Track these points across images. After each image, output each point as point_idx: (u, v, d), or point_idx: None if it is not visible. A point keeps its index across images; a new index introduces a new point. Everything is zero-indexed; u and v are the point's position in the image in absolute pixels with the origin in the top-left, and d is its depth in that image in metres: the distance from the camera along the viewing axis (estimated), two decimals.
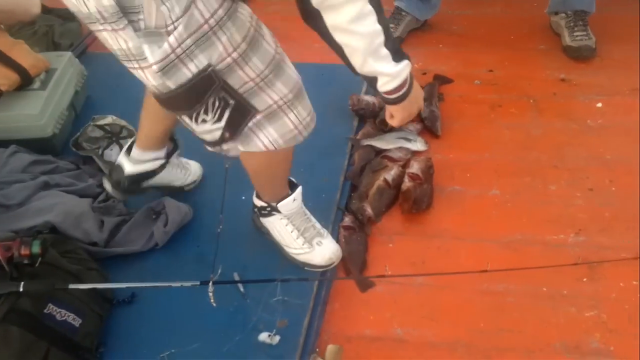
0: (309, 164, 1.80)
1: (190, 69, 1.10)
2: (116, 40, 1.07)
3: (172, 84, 1.11)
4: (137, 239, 1.62)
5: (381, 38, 1.14)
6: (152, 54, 1.06)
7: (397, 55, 1.19)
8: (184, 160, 1.80)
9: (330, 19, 1.10)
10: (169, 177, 1.71)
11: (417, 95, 1.36)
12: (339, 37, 1.13)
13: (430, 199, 1.74)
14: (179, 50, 1.06)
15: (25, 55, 1.88)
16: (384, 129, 1.96)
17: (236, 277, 1.54)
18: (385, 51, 1.16)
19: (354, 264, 1.60)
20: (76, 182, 1.73)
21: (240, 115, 1.20)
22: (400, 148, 1.89)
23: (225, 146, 1.28)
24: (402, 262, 1.61)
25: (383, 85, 1.25)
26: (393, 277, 1.54)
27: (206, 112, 1.18)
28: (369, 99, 2.02)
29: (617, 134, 1.90)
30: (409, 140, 1.91)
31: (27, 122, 1.83)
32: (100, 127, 1.90)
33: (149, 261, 1.62)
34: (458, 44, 2.36)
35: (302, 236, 1.58)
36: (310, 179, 1.72)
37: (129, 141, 1.67)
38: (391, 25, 2.37)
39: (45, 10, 2.39)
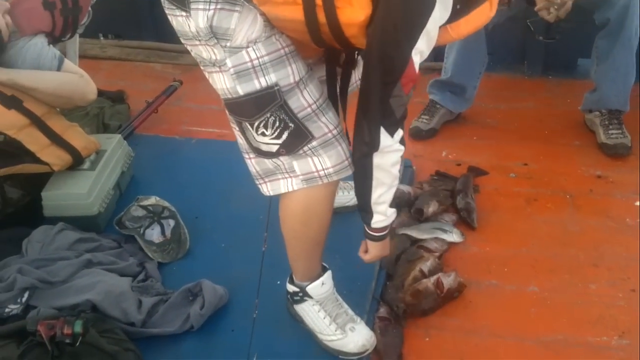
0: (343, 251, 1.80)
1: (260, 82, 1.29)
2: (208, 51, 1.29)
3: (241, 91, 1.30)
4: (173, 320, 1.63)
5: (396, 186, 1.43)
6: (232, 60, 1.27)
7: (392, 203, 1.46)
8: (345, 183, 1.94)
9: (377, 160, 1.35)
10: (338, 200, 1.72)
11: (387, 243, 1.58)
12: (377, 173, 1.37)
13: (432, 310, 1.69)
14: (255, 62, 1.27)
15: (78, 137, 1.98)
16: (420, 218, 1.98)
17: None
18: (391, 196, 1.43)
19: (390, 356, 1.58)
20: (118, 260, 1.77)
21: (297, 139, 1.34)
22: (436, 239, 1.90)
23: (280, 172, 1.40)
24: (438, 357, 1.58)
25: (377, 222, 1.47)
26: None
27: (265, 127, 1.33)
28: (404, 188, 2.06)
29: None
30: (445, 231, 1.92)
31: (75, 201, 1.90)
32: (144, 207, 1.96)
33: (184, 343, 1.62)
34: (492, 137, 2.41)
35: (334, 322, 1.58)
36: (345, 266, 1.73)
37: None
38: (425, 117, 2.44)
39: (98, 93, 2.53)
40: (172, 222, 1.95)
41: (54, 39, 2.09)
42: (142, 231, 1.92)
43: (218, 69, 1.30)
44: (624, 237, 1.89)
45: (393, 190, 1.43)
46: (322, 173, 1.38)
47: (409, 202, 2.03)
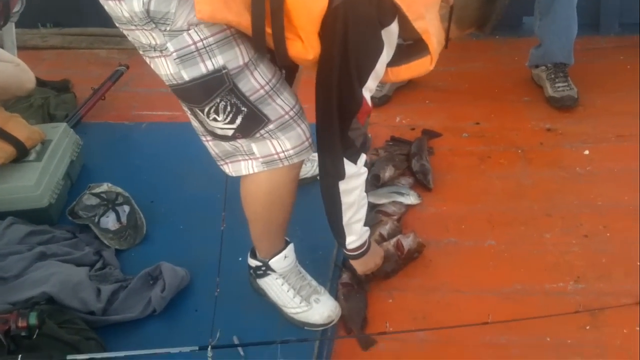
0: (304, 222, 1.80)
1: (206, 66, 1.22)
2: (146, 36, 1.22)
3: (186, 76, 1.23)
4: (134, 306, 1.61)
5: (366, 207, 1.49)
6: (173, 44, 1.20)
7: (366, 222, 1.51)
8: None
9: (343, 186, 1.38)
10: None
11: (375, 253, 1.62)
12: (345, 198, 1.40)
13: (394, 272, 1.71)
14: (199, 45, 1.20)
15: (21, 128, 1.92)
16: (377, 184, 1.98)
17: (235, 341, 1.52)
18: (362, 215, 1.48)
19: (355, 321, 1.59)
20: (73, 250, 1.73)
21: (253, 123, 1.31)
22: (394, 202, 1.91)
23: (240, 154, 1.38)
24: (403, 317, 1.60)
25: (351, 243, 1.52)
26: (395, 334, 1.52)
27: (217, 112, 1.28)
28: None
29: (606, 180, 1.93)
30: (402, 194, 1.93)
31: (23, 194, 1.84)
32: (96, 194, 1.92)
33: (147, 327, 1.60)
34: (444, 99, 2.43)
35: (298, 295, 1.57)
36: (306, 237, 1.73)
37: None
38: (378, 85, 2.43)
39: (41, 83, 2.46)
40: (127, 208, 1.91)
41: None
42: (96, 219, 1.88)
43: (159, 54, 1.23)
44: (575, 186, 1.94)
45: (364, 210, 1.48)
46: (282, 155, 1.36)
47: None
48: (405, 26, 1.22)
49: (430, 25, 1.21)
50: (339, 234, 1.50)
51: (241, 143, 1.35)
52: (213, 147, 1.40)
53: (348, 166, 1.35)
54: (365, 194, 1.46)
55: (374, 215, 1.86)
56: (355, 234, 1.50)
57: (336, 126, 1.29)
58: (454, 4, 1.25)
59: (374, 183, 1.99)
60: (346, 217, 1.44)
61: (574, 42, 2.29)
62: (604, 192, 1.89)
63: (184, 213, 1.94)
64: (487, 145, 2.15)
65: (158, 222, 1.91)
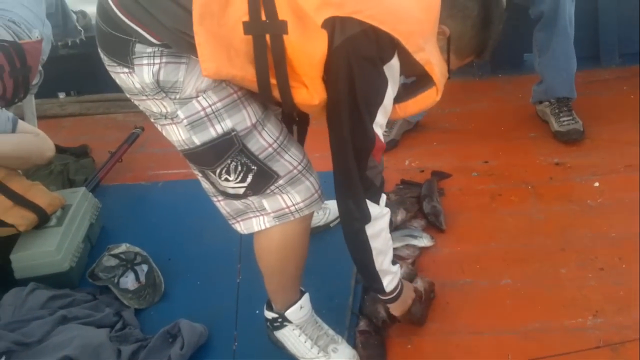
0: (318, 271, 1.82)
1: (216, 130, 1.28)
2: (157, 105, 1.28)
3: (197, 140, 1.28)
4: None
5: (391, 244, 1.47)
6: (184, 111, 1.26)
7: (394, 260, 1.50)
8: None
9: (370, 231, 1.37)
10: None
11: (408, 288, 1.60)
12: (374, 243, 1.38)
13: (424, 318, 1.68)
14: (208, 110, 1.26)
15: (41, 195, 1.98)
16: (390, 228, 2.00)
17: None
18: (391, 255, 1.47)
19: None
20: (93, 312, 1.76)
21: (263, 180, 1.34)
22: (407, 245, 1.92)
23: (251, 211, 1.40)
24: None
25: (388, 285, 1.48)
26: None
27: (228, 173, 1.33)
28: None
29: (618, 211, 1.93)
30: (415, 237, 1.94)
31: (44, 259, 1.89)
32: (115, 255, 1.96)
33: None
34: (451, 140, 2.45)
35: (316, 345, 1.58)
36: (321, 286, 1.75)
37: None
38: (385, 130, 2.48)
39: (60, 150, 2.55)
40: (145, 267, 1.95)
41: (7, 101, 2.10)
42: (116, 280, 1.91)
43: (170, 121, 1.29)
44: (587, 219, 1.93)
45: (392, 250, 1.47)
46: (293, 209, 1.39)
47: None
48: (407, 61, 1.23)
49: (431, 56, 1.24)
50: (374, 280, 1.46)
51: (252, 200, 1.38)
52: (224, 206, 1.43)
53: (372, 207, 1.34)
54: (390, 234, 1.45)
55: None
56: (390, 274, 1.47)
57: (354, 167, 1.29)
58: (450, 34, 1.28)
59: None
60: (378, 262, 1.42)
61: (575, 75, 2.32)
62: (617, 223, 1.88)
63: (200, 268, 1.97)
64: (497, 183, 2.16)
65: (176, 279, 1.94)
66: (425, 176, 2.24)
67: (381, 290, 1.49)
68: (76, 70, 3.11)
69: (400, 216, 2.02)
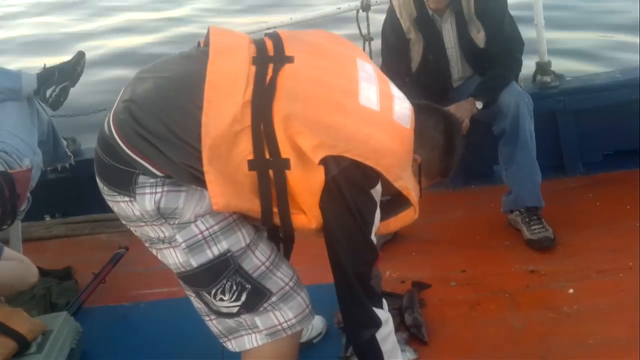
0: None
1: (212, 251, 1.34)
2: (155, 231, 1.35)
3: (194, 262, 1.34)
4: None
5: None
6: (182, 235, 1.33)
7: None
8: None
9: (379, 336, 1.43)
10: None
11: None
12: (384, 347, 1.45)
13: None
14: (206, 233, 1.34)
15: (23, 322, 1.97)
16: None
17: None
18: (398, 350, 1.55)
19: None
20: None
21: (256, 298, 1.40)
22: None
23: (243, 329, 1.43)
24: None
25: None
26: None
27: (223, 293, 1.37)
28: None
29: (594, 317, 1.97)
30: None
31: None
32: None
33: None
34: (430, 250, 2.52)
35: None
36: None
37: None
38: None
39: (43, 273, 2.55)
40: None
41: None
42: None
43: (168, 245, 1.35)
44: (565, 326, 1.96)
45: (399, 352, 1.55)
46: (285, 325, 1.43)
47: None
48: (386, 184, 1.38)
49: (407, 182, 1.39)
50: None
51: (244, 318, 1.42)
52: (216, 325, 1.46)
53: (379, 313, 1.43)
54: (395, 335, 1.51)
55: None
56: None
57: (355, 282, 1.38)
58: (421, 162, 1.46)
59: None
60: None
61: (542, 184, 2.45)
62: (594, 329, 1.91)
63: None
64: (475, 292, 2.21)
65: None
66: (406, 287, 2.28)
67: None
68: (63, 193, 3.19)
69: None
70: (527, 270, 2.27)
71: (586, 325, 1.94)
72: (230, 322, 1.43)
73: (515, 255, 2.37)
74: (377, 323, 1.41)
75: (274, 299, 1.41)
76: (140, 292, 2.55)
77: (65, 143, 2.99)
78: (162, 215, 1.32)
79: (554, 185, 2.65)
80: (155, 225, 1.34)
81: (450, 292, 2.24)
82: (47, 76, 2.71)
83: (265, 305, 1.40)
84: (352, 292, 1.40)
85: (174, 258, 1.36)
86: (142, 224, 1.35)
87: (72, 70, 2.76)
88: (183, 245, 1.33)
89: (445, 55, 2.49)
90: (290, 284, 1.44)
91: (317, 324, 2.04)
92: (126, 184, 1.32)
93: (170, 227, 1.33)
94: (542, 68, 2.93)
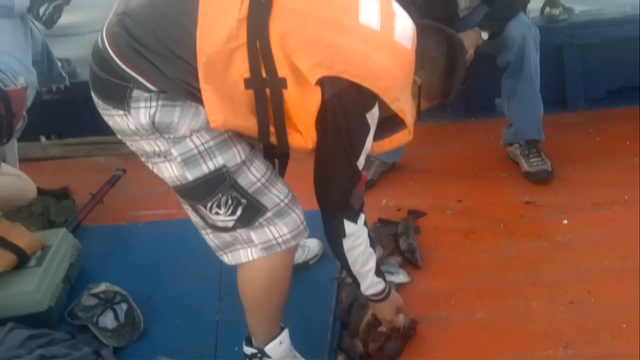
0: (298, 307, 1.84)
1: (208, 166, 1.35)
2: (150, 145, 1.35)
3: (190, 176, 1.35)
4: None
5: (374, 259, 1.61)
6: (177, 149, 1.33)
7: (379, 273, 1.63)
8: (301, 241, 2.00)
9: (347, 245, 1.52)
10: None
11: (392, 303, 1.70)
12: (350, 255, 1.54)
13: (398, 354, 1.74)
14: (201, 148, 1.34)
15: (22, 236, 2.00)
16: None
17: None
18: (371, 265, 1.59)
19: None
20: (72, 351, 1.75)
21: (252, 213, 1.41)
22: None
23: (239, 243, 1.47)
24: None
25: (366, 290, 1.63)
26: None
27: (219, 206, 1.39)
28: None
29: (586, 247, 2.00)
30: (392, 273, 1.98)
31: (24, 299, 1.89)
32: (95, 295, 1.97)
33: None
34: (427, 180, 2.52)
35: None
36: (300, 322, 1.77)
37: None
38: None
39: (41, 192, 2.56)
40: (124, 306, 1.95)
41: None
42: (95, 319, 1.91)
43: (164, 159, 1.35)
44: (557, 255, 2.00)
45: (372, 262, 1.59)
46: (280, 240, 1.45)
47: None
48: (384, 106, 1.38)
49: (404, 104, 1.38)
50: (354, 280, 1.62)
51: (240, 233, 1.44)
52: (213, 239, 1.48)
53: (348, 225, 1.48)
54: (371, 248, 1.58)
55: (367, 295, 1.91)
56: (367, 281, 1.60)
57: (336, 198, 1.45)
58: (421, 83, 1.44)
59: None
60: (354, 268, 1.57)
61: (544, 119, 2.43)
62: (585, 258, 1.95)
63: (180, 307, 1.98)
64: (470, 221, 2.23)
65: (155, 318, 1.95)
66: (402, 215, 2.30)
67: (359, 289, 1.64)
68: (59, 115, 3.16)
69: (378, 253, 2.03)
70: (522, 201, 2.29)
71: (578, 255, 1.97)
72: (227, 236, 1.45)
73: (512, 186, 2.38)
74: (342, 233, 1.48)
75: (269, 214, 1.42)
76: (138, 213, 2.57)
77: (60, 64, 2.93)
78: (157, 129, 1.31)
79: (555, 120, 2.62)
80: (150, 139, 1.34)
81: (446, 220, 2.27)
82: None
83: (261, 220, 1.42)
84: (328, 204, 1.46)
85: (170, 172, 1.37)
86: (138, 138, 1.35)
87: None
88: (179, 159, 1.33)
89: None
90: (285, 200, 1.45)
91: (314, 246, 2.07)
92: (120, 98, 1.31)
93: (166, 141, 1.33)
94: (552, 0, 2.85)
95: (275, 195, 1.44)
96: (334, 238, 1.51)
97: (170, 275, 2.12)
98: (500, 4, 2.38)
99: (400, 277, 1.97)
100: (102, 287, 1.99)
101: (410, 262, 2.06)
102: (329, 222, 1.49)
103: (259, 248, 1.45)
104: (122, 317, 1.92)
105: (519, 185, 2.37)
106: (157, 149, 1.35)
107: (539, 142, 2.45)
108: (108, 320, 1.91)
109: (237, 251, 1.48)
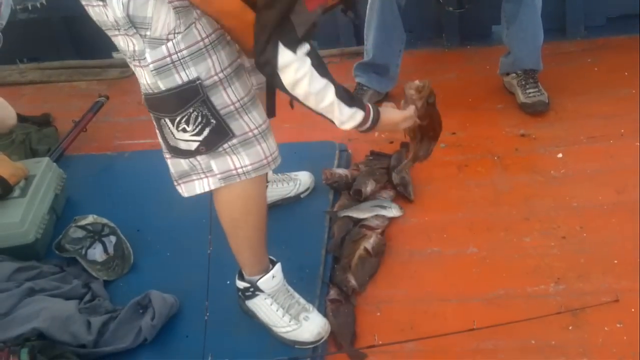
0: (290, 241, 1.84)
1: (181, 77, 1.29)
2: (126, 42, 1.29)
3: (162, 86, 1.30)
4: (125, 336, 1.63)
5: (332, 89, 1.33)
6: (151, 55, 1.27)
7: (352, 102, 1.37)
8: (292, 174, 2.00)
9: (286, 78, 1.29)
10: (279, 192, 1.97)
11: (391, 120, 1.48)
12: (294, 90, 1.31)
13: (373, 272, 1.78)
14: (175, 57, 1.27)
15: (4, 165, 1.93)
16: (359, 199, 2.02)
17: None
18: (329, 99, 1.33)
19: (344, 337, 1.62)
20: (61, 284, 1.74)
21: (218, 136, 1.35)
22: (376, 216, 1.95)
23: (195, 173, 1.42)
24: (391, 329, 1.62)
25: (342, 125, 1.38)
26: (384, 346, 1.55)
27: (187, 123, 1.33)
28: (342, 171, 2.10)
29: (580, 182, 1.98)
30: (384, 207, 1.97)
31: (8, 231, 1.85)
32: (82, 227, 1.93)
33: (139, 357, 1.62)
34: None
35: (287, 313, 1.60)
36: (292, 256, 1.77)
37: None
38: None
39: (22, 118, 2.48)
40: (113, 239, 1.93)
41: None
42: (83, 252, 1.89)
43: (138, 63, 1.30)
44: (550, 189, 1.99)
45: (328, 92, 1.32)
46: (240, 171, 1.40)
47: (347, 185, 2.07)
48: None
49: None
50: (322, 116, 1.38)
51: (200, 160, 1.39)
52: (171, 166, 1.45)
53: (283, 54, 1.25)
54: (323, 79, 1.30)
55: (358, 230, 1.90)
56: (337, 116, 1.35)
57: (274, 12, 1.21)
58: None
59: (356, 198, 2.03)
60: (311, 105, 1.34)
61: (542, 47, 2.36)
62: (579, 193, 1.94)
63: (170, 240, 1.96)
64: (464, 154, 2.20)
65: (145, 251, 1.93)
66: (395, 147, 2.26)
67: (338, 126, 1.39)
68: (36, 36, 3.00)
69: (370, 187, 2.04)
70: (517, 134, 2.25)
71: (571, 189, 1.96)
72: (184, 163, 1.41)
73: (507, 118, 2.33)
74: (274, 62, 1.25)
75: (234, 141, 1.37)
76: (122, 143, 2.51)
77: None
78: (133, 23, 1.24)
79: (552, 48, 2.54)
80: (128, 35, 1.27)
81: (439, 153, 2.17)
82: None
83: (225, 146, 1.37)
84: (261, 21, 1.24)
85: (144, 78, 1.32)
86: (117, 32, 1.29)
87: None
88: (151, 67, 1.28)
89: None
90: (255, 131, 1.38)
91: (305, 179, 2.04)
92: None
93: (142, 39, 1.26)
94: None
95: (246, 123, 1.37)
96: (268, 71, 1.27)
97: (159, 207, 2.08)
98: None
99: (393, 212, 1.95)
100: (90, 219, 1.95)
101: (402, 196, 2.04)
102: (261, 51, 1.25)
103: (217, 178, 1.41)
104: (111, 250, 1.90)
105: (514, 117, 2.33)
106: (131, 47, 1.28)
107: (537, 72, 2.38)
108: (97, 252, 1.89)
109: (192, 182, 1.44)
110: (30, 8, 2.84)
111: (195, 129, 1.33)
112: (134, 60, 1.31)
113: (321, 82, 1.31)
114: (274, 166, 1.44)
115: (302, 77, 1.29)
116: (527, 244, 1.81)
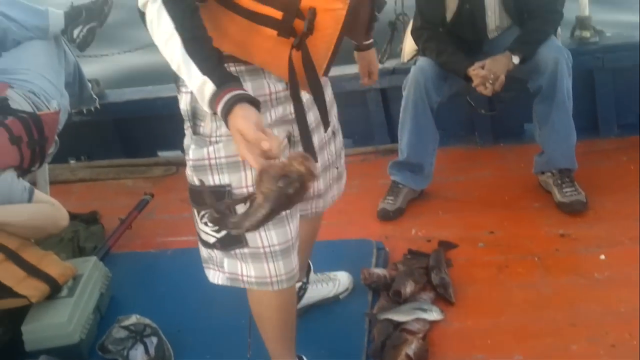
0: (330, 344, 1.83)
1: (214, 179, 1.37)
2: (186, 135, 1.41)
3: (196, 181, 1.38)
4: None
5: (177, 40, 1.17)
6: (193, 153, 1.38)
7: (209, 68, 1.16)
8: (331, 274, 2.02)
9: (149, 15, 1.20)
10: (318, 293, 1.99)
11: (241, 130, 1.13)
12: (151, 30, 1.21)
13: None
14: (213, 162, 1.36)
15: (54, 265, 2.00)
16: (399, 300, 2.01)
17: None
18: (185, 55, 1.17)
19: None
20: None
21: (232, 240, 1.41)
22: (417, 319, 1.93)
23: (212, 263, 1.50)
24: None
25: (202, 93, 1.18)
26: None
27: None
28: (380, 271, 2.10)
29: (626, 285, 1.94)
30: (424, 310, 1.95)
31: (56, 331, 1.90)
32: (125, 327, 1.96)
33: None
34: (456, 209, 2.48)
35: None
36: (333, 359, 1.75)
37: None
38: (390, 198, 2.52)
39: (71, 216, 2.55)
40: (154, 340, 1.94)
41: (23, 171, 2.16)
42: (125, 353, 1.91)
43: (187, 156, 1.41)
44: (595, 292, 1.95)
45: (174, 37, 1.17)
46: (245, 279, 1.46)
47: (386, 285, 2.07)
48: None
49: None
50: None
51: (216, 254, 1.46)
52: (199, 248, 1.52)
53: None
54: (175, 23, 1.17)
55: (398, 334, 1.87)
56: (188, 78, 1.18)
57: None
58: None
59: (395, 300, 2.02)
60: (155, 40, 1.22)
61: (576, 146, 2.38)
62: (626, 297, 1.89)
63: (210, 341, 1.97)
64: (503, 254, 2.19)
65: (185, 353, 1.94)
66: (432, 246, 2.26)
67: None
68: (87, 137, 3.18)
69: (410, 288, 2.03)
70: (557, 234, 2.23)
71: (617, 293, 1.92)
72: (204, 251, 1.49)
73: (545, 217, 2.33)
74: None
75: (245, 250, 1.42)
76: (166, 240, 2.57)
77: (90, 86, 2.95)
78: (193, 115, 1.35)
79: (586, 147, 2.57)
80: (189, 127, 1.39)
81: (478, 253, 2.22)
82: (74, 15, 2.65)
83: (237, 251, 1.42)
84: None
85: (188, 168, 1.42)
86: (186, 120, 1.40)
87: (99, 10, 2.69)
88: (191, 162, 1.39)
89: (482, 4, 2.37)
90: (267, 249, 1.42)
91: (344, 280, 2.05)
92: (175, 76, 1.29)
93: (192, 133, 1.37)
94: (582, 22, 2.80)
95: (261, 238, 1.41)
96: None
97: (199, 306, 2.11)
98: (531, 27, 2.34)
99: (434, 315, 1.93)
100: (133, 319, 1.98)
101: (443, 298, 2.02)
102: None
103: (225, 276, 1.48)
104: (152, 351, 1.91)
105: (553, 216, 2.32)
106: (186, 142, 1.40)
107: (572, 171, 2.40)
108: (138, 354, 1.91)
109: (209, 269, 1.53)
110: (84, 112, 3.02)
111: (214, 227, 1.40)
112: (186, 153, 1.42)
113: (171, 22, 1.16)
114: (279, 287, 1.47)
115: (154, 19, 1.18)
116: (574, 352, 1.76)
